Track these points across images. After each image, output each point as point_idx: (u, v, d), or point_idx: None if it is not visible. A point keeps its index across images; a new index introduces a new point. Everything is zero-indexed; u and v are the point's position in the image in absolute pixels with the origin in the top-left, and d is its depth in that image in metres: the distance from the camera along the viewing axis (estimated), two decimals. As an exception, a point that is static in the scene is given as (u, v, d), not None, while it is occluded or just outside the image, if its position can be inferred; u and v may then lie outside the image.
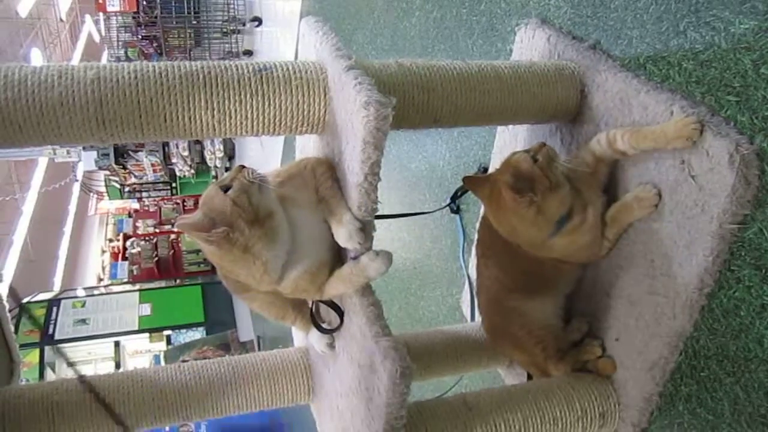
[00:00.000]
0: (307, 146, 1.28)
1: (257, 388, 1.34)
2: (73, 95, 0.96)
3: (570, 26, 1.36)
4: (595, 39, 1.27)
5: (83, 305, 6.64)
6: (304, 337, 1.33)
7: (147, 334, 6.75)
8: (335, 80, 1.02)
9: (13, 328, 1.31)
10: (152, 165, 10.18)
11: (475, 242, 1.43)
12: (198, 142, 9.99)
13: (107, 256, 10.56)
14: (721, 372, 1.05)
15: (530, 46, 1.42)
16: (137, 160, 10.14)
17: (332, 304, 1.16)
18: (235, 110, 1.03)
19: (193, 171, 10.73)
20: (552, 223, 1.13)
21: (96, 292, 7.74)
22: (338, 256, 1.11)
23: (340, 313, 1.15)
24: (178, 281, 8.37)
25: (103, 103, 0.97)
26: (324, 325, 1.22)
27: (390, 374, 0.91)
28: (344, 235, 1.02)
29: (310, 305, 1.25)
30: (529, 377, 1.42)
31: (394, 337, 0.97)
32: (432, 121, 1.18)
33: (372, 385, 0.98)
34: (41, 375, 5.75)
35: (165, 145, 10.11)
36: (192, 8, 8.62)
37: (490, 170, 1.23)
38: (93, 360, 6.93)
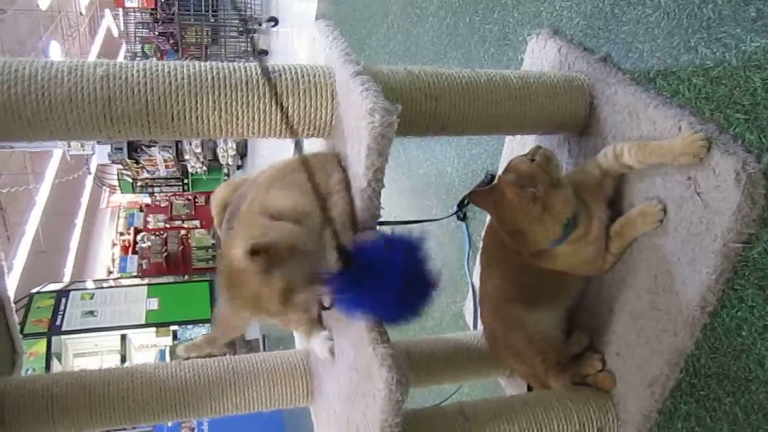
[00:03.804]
0: (314, 150, 1.29)
1: (257, 389, 1.35)
2: (82, 91, 0.97)
3: (581, 38, 1.36)
4: (606, 51, 1.27)
5: (92, 297, 6.67)
6: (305, 341, 1.33)
7: (154, 329, 6.78)
8: (343, 85, 1.02)
9: (17, 319, 1.33)
10: (165, 161, 10.23)
11: (479, 251, 1.43)
12: (211, 139, 10.04)
13: (117, 249, 10.63)
14: (721, 392, 1.04)
15: (541, 56, 1.41)
16: (150, 156, 10.19)
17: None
18: (243, 112, 1.04)
19: (205, 168, 10.77)
20: (559, 223, 1.12)
21: (105, 284, 7.79)
22: None
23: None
24: (186, 277, 8.39)
25: (112, 100, 0.98)
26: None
27: (386, 382, 0.91)
28: None
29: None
30: (529, 388, 1.41)
31: (392, 344, 0.96)
32: (439, 129, 1.18)
33: (368, 392, 0.98)
34: (47, 365, 5.78)
35: (178, 141, 10.17)
36: (210, 6, 8.68)
37: (494, 183, 1.23)
38: (99, 352, 6.97)
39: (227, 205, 1.18)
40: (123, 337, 6.68)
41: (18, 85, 0.95)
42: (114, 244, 11.53)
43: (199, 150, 10.31)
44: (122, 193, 11.33)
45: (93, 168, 10.74)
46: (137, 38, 9.66)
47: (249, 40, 8.35)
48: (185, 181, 11.16)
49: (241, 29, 8.44)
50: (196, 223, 10.05)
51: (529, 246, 1.18)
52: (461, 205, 1.95)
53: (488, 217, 1.39)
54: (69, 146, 8.39)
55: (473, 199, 1.25)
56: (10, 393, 1.21)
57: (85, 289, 7.09)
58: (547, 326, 1.29)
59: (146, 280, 7.91)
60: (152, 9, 8.66)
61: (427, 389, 1.94)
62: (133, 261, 9.08)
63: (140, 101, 0.99)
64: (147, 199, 11.29)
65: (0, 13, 8.88)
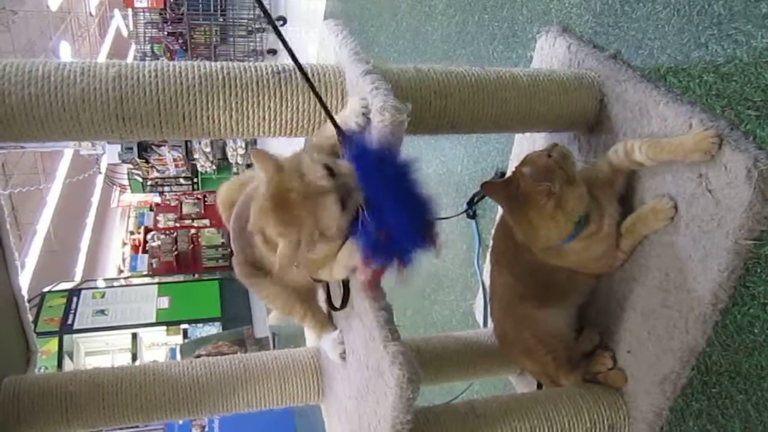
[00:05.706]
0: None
1: (268, 387, 1.35)
2: (94, 92, 0.98)
3: (591, 35, 1.35)
4: (616, 49, 1.27)
5: (103, 296, 6.72)
6: (315, 337, 1.33)
7: (164, 327, 6.81)
8: (353, 84, 1.03)
9: (31, 318, 1.34)
10: (174, 160, 10.28)
11: (489, 248, 1.43)
12: (220, 138, 10.06)
13: (128, 248, 10.68)
14: (733, 389, 1.04)
15: (551, 53, 1.41)
16: (160, 155, 10.24)
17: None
18: (253, 111, 1.05)
19: (214, 167, 10.81)
20: (571, 221, 1.12)
21: (116, 283, 7.83)
22: None
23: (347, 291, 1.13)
24: (196, 276, 8.42)
25: (124, 100, 0.99)
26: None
27: (397, 379, 0.91)
28: None
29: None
30: (539, 386, 1.41)
31: (403, 342, 0.97)
32: (448, 127, 1.18)
33: (379, 389, 0.99)
34: (59, 363, 5.83)
35: (188, 140, 10.21)
36: (219, 6, 8.70)
37: (508, 175, 1.23)
38: (110, 351, 7.01)
39: (234, 203, 1.18)
40: (134, 336, 6.72)
41: (32, 86, 0.96)
42: (124, 243, 11.58)
43: (208, 149, 10.35)
44: (132, 192, 11.39)
45: (103, 167, 10.80)
46: (146, 38, 9.70)
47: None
48: (195, 180, 11.20)
49: (250, 29, 8.46)
50: (206, 222, 10.07)
51: (540, 242, 1.18)
52: (471, 203, 1.95)
53: (498, 215, 1.39)
54: (80, 146, 8.43)
55: (487, 189, 1.24)
56: (26, 390, 1.22)
57: (96, 288, 7.14)
58: (557, 324, 1.29)
59: (156, 279, 7.96)
60: (161, 9, 8.70)
61: (438, 387, 1.95)
62: (143, 260, 9.12)
63: (152, 101, 1.00)
64: (157, 199, 11.34)
65: (11, 14, 8.94)
